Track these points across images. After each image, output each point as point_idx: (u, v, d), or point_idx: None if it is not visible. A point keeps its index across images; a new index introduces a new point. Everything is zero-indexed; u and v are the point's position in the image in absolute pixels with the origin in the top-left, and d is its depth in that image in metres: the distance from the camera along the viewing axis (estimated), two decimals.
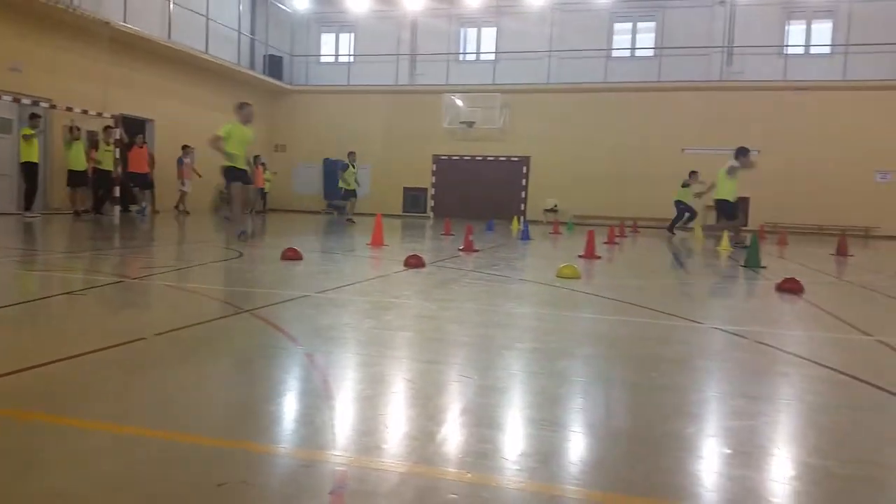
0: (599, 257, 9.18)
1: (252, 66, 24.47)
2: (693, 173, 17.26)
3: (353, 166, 17.39)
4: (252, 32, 24.76)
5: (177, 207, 18.93)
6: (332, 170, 25.38)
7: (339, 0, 25.08)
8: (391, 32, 25.32)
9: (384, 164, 24.98)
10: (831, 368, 3.18)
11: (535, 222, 21.21)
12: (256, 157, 22.56)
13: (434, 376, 2.84)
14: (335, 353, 3.20)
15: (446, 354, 3.31)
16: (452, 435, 2.11)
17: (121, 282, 5.44)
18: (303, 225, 16.73)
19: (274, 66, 25.18)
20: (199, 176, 19.18)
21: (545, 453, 1.98)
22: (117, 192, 15.15)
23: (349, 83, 25.72)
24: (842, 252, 11.26)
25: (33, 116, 13.89)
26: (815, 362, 3.31)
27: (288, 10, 26.01)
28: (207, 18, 21.45)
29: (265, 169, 21.90)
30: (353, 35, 26.19)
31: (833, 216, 21.09)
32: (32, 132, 13.77)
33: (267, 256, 7.73)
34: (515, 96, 23.72)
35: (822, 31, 22.24)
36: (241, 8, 23.74)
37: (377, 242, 9.81)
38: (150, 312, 4.37)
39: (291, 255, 7.23)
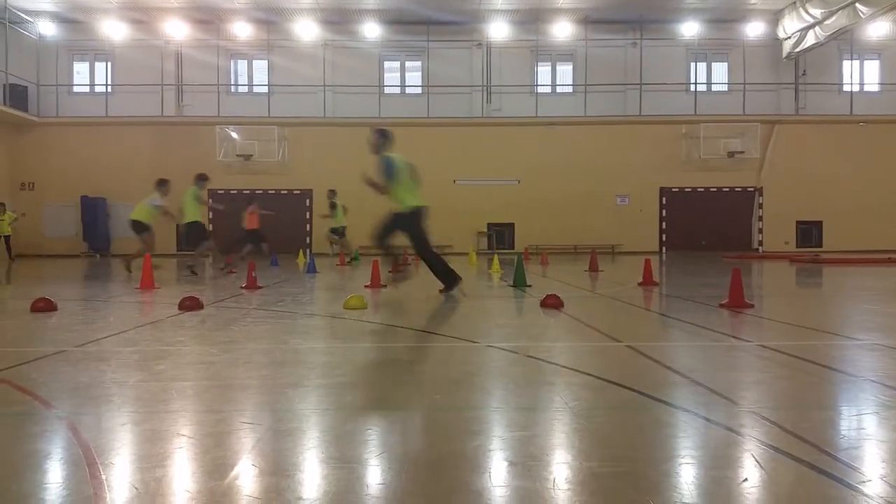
0: (385, 286, 9.36)
1: None
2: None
3: None
4: None
5: None
6: (92, 208, 23.02)
7: (92, 27, 23.04)
8: (153, 62, 23.83)
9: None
10: (590, 375, 3.54)
11: (321, 255, 21.02)
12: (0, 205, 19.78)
13: (214, 427, 2.67)
14: (98, 413, 2.87)
15: (228, 401, 3.13)
16: (236, 488, 1.99)
17: None
18: (58, 271, 14.91)
19: (17, 96, 22.34)
20: None
21: (336, 493, 1.95)
22: None
23: (107, 114, 23.63)
24: (593, 268, 12.75)
25: None
26: (577, 370, 3.67)
27: (32, 35, 23.30)
28: None
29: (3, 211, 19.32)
30: (109, 64, 24.20)
31: (585, 237, 23.68)
32: None
33: (14, 309, 6.77)
34: (293, 129, 23.51)
35: (565, 73, 25.19)
36: None
37: (147, 285, 9.06)
38: None
39: (43, 306, 6.39)
